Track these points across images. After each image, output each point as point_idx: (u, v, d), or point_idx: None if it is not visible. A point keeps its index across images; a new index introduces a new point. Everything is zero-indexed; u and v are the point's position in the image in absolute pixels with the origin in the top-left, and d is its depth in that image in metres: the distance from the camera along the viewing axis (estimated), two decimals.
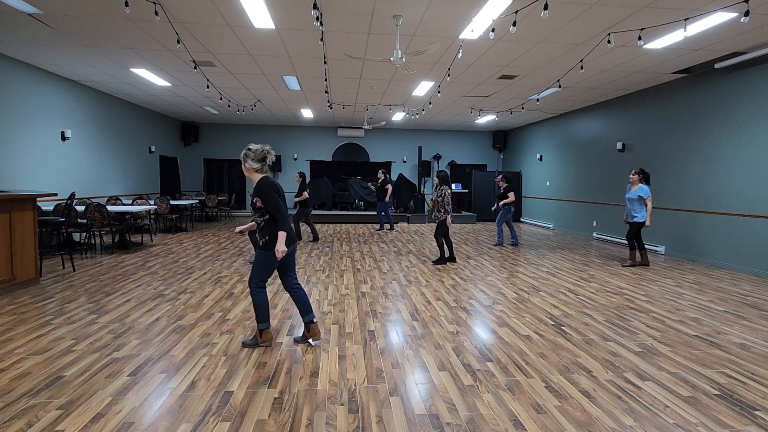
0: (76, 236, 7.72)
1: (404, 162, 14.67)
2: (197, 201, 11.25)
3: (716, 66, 6.38)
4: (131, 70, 7.29)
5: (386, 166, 14.63)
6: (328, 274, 5.74)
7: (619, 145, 8.81)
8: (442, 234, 6.49)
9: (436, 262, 6.55)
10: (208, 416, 2.28)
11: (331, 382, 2.70)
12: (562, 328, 3.78)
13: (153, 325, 3.68)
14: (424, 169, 14.24)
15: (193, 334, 3.47)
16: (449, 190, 6.35)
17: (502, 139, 14.52)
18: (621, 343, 3.44)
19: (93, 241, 7.86)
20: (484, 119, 11.97)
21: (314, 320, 3.30)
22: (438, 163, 14.64)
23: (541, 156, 12.26)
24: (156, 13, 4.50)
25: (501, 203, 8.30)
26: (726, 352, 3.29)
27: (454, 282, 5.43)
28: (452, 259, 6.68)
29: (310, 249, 7.74)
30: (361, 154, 14.55)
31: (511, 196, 8.19)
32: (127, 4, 4.21)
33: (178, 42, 5.37)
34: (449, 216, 6.34)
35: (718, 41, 5.50)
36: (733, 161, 6.44)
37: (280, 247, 3.02)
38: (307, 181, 13.85)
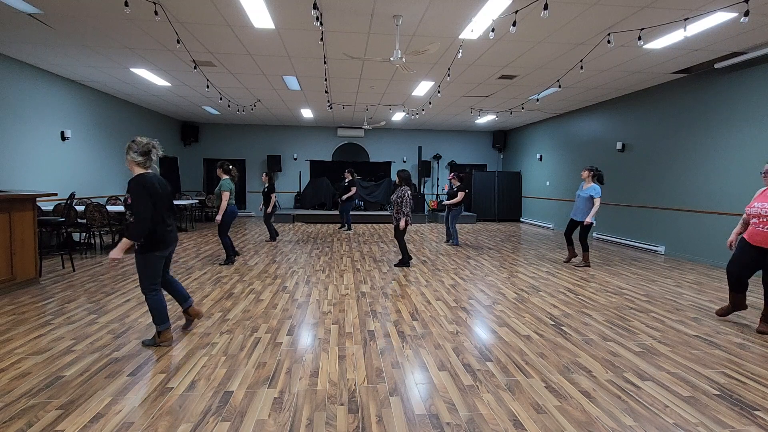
0: (76, 236, 7.72)
1: (404, 162, 14.67)
2: (197, 201, 11.25)
3: (716, 66, 6.38)
4: (131, 70, 7.29)
5: (386, 166, 14.64)
6: (328, 274, 5.74)
7: (619, 145, 8.81)
8: (400, 236, 6.19)
9: (397, 265, 6.30)
10: (208, 416, 2.28)
11: (331, 382, 2.70)
12: (562, 328, 3.78)
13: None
14: (424, 169, 14.24)
15: (193, 334, 3.47)
16: (409, 192, 6.00)
17: (502, 139, 14.52)
18: (621, 343, 3.44)
19: (93, 241, 7.86)
20: (484, 119, 11.97)
21: (191, 304, 3.52)
22: (438, 163, 14.64)
23: (541, 156, 12.26)
24: (156, 13, 4.50)
25: (449, 202, 8.23)
26: (726, 352, 3.29)
27: (454, 282, 5.43)
28: (407, 262, 6.30)
29: (310, 249, 7.74)
30: (361, 154, 14.54)
31: (460, 196, 8.11)
32: (127, 4, 4.21)
33: (178, 42, 5.37)
34: (404, 219, 5.99)
35: (718, 41, 5.50)
36: (733, 161, 6.44)
37: (114, 254, 2.92)
38: (307, 181, 13.92)
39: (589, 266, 6.45)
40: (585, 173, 6.35)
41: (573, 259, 6.75)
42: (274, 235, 8.57)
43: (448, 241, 8.69)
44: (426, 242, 8.86)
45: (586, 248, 6.46)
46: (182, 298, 3.45)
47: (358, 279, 5.51)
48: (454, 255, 7.38)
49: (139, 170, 3.02)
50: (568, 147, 10.94)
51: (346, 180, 10.41)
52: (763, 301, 4.04)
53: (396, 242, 6.15)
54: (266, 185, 7.97)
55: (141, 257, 3.05)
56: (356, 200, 13.76)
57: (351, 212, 10.87)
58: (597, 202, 6.16)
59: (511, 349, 3.29)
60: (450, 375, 2.82)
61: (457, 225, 11.26)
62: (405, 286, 5.20)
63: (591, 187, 6.24)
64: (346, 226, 10.77)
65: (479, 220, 13.52)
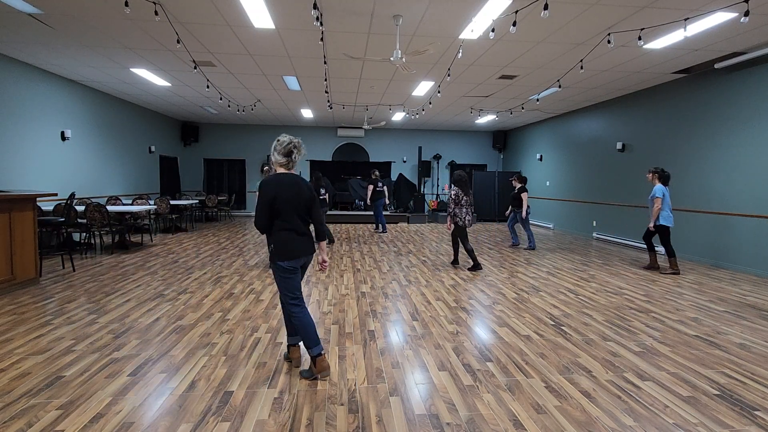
0: (76, 236, 7.72)
1: (404, 162, 14.67)
2: (197, 201, 11.25)
3: (716, 66, 6.38)
4: (131, 70, 7.29)
5: (386, 166, 14.64)
6: (328, 274, 5.74)
7: (619, 145, 8.81)
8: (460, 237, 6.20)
9: (471, 269, 6.22)
10: (208, 416, 2.28)
11: (331, 382, 2.70)
12: (562, 328, 3.78)
13: (153, 325, 3.68)
14: (424, 169, 14.24)
15: (193, 334, 3.47)
16: (454, 192, 6.00)
17: (502, 139, 14.52)
18: (621, 343, 3.44)
19: (93, 241, 7.86)
20: (484, 119, 11.97)
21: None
22: (438, 163, 14.64)
23: (541, 156, 12.26)
24: (156, 13, 4.51)
25: (523, 210, 7.97)
26: (726, 352, 3.29)
27: (454, 282, 5.43)
28: (478, 265, 6.19)
29: None
30: (361, 154, 14.55)
31: (525, 198, 7.92)
32: (127, 4, 4.21)
33: (178, 42, 5.37)
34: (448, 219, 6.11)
35: (718, 41, 5.50)
36: (733, 161, 6.43)
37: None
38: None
39: (676, 273, 6.02)
40: (649, 175, 6.15)
41: (662, 266, 6.33)
42: None
43: (516, 244, 8.36)
44: (426, 242, 8.86)
45: (670, 254, 6.08)
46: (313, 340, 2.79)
47: (358, 279, 5.51)
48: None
49: (280, 170, 2.75)
50: (568, 147, 10.94)
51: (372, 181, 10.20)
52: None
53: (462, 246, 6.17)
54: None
55: (272, 266, 2.78)
56: (356, 200, 13.78)
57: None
58: (656, 203, 5.90)
59: (511, 349, 3.29)
60: (450, 375, 2.82)
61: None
62: (405, 286, 5.20)
63: (654, 188, 6.02)
64: (380, 227, 10.60)
65: (479, 220, 13.52)
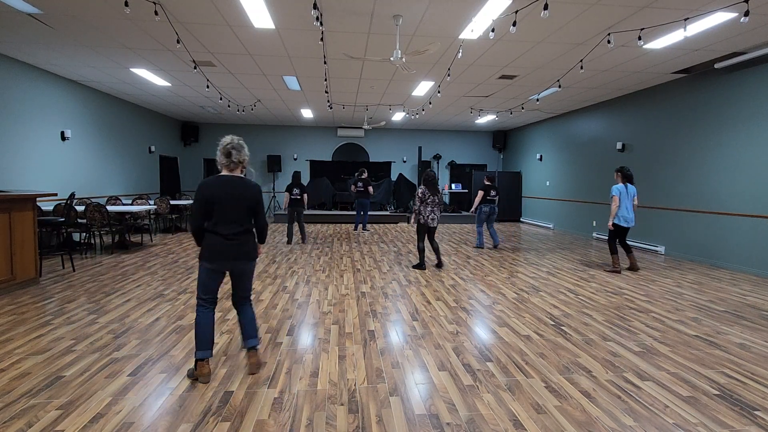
0: (76, 236, 7.72)
1: (404, 162, 14.68)
2: None
3: (716, 66, 6.38)
4: (131, 70, 7.29)
5: (386, 167, 14.64)
6: (328, 274, 5.74)
7: (619, 145, 8.81)
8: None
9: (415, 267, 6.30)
10: (208, 416, 2.28)
11: (331, 382, 2.70)
12: (562, 328, 3.78)
13: (153, 325, 3.68)
14: (424, 169, 14.24)
15: (193, 334, 3.47)
16: (419, 190, 6.00)
17: (502, 139, 14.52)
18: (621, 343, 3.44)
19: (93, 241, 7.86)
20: (484, 119, 11.97)
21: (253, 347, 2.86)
22: (438, 162, 14.63)
23: (541, 156, 12.26)
24: (156, 13, 4.51)
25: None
26: (726, 352, 3.29)
27: (454, 282, 5.43)
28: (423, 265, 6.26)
29: (310, 249, 7.74)
30: (361, 154, 14.55)
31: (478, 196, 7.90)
32: (127, 4, 4.21)
33: (178, 42, 5.37)
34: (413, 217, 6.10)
35: (718, 41, 5.50)
36: (733, 161, 6.44)
37: None
38: (308, 181, 13.92)
39: (617, 272, 6.05)
40: (615, 175, 6.09)
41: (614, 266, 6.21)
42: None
43: (495, 245, 8.25)
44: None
45: (612, 250, 6.11)
46: (245, 335, 2.85)
47: (358, 279, 5.51)
48: (454, 255, 7.38)
49: (224, 172, 2.73)
50: (568, 147, 10.94)
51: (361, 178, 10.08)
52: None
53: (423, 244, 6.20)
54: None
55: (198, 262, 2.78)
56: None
57: (355, 213, 10.66)
58: (613, 202, 5.90)
59: (511, 349, 3.29)
60: (450, 375, 2.82)
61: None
62: (405, 286, 5.20)
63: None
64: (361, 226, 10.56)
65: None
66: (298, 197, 8.08)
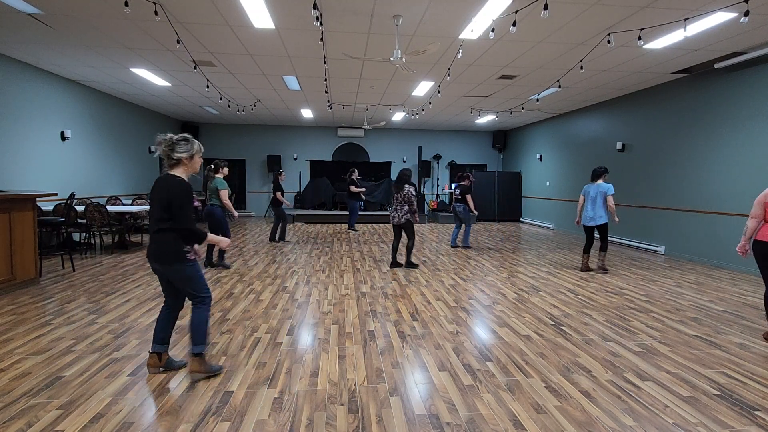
0: (76, 236, 7.72)
1: (404, 162, 14.67)
2: (197, 201, 11.25)
3: (716, 66, 6.38)
4: (131, 70, 7.29)
5: (386, 167, 14.64)
6: (328, 274, 5.74)
7: (619, 145, 8.81)
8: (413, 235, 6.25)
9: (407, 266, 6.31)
10: (208, 416, 2.28)
11: (331, 382, 2.70)
12: (562, 328, 3.78)
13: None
14: (424, 169, 14.25)
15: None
16: (412, 189, 5.97)
17: (502, 139, 14.52)
18: (621, 343, 3.44)
19: (93, 241, 7.86)
20: (484, 119, 11.97)
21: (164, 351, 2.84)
22: (438, 162, 14.63)
23: (541, 156, 12.26)
24: (156, 13, 4.51)
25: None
26: (726, 352, 3.29)
27: (454, 282, 5.43)
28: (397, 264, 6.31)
29: (310, 249, 7.74)
30: (361, 154, 14.54)
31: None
32: (127, 4, 4.21)
33: (178, 42, 5.37)
34: (416, 216, 6.09)
35: (718, 41, 5.50)
36: (733, 161, 6.43)
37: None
38: (307, 181, 13.92)
39: (587, 270, 6.22)
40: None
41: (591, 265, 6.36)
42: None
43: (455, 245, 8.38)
44: (426, 242, 8.86)
45: (585, 249, 6.29)
46: (158, 337, 2.79)
47: (358, 279, 5.51)
48: (454, 255, 7.38)
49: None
50: (568, 147, 10.94)
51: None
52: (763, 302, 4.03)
53: (408, 243, 6.21)
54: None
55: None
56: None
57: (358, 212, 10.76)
58: (579, 200, 6.21)
59: (511, 349, 3.29)
60: (450, 375, 2.82)
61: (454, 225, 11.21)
62: (405, 286, 5.20)
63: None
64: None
65: (479, 220, 13.51)
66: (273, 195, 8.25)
